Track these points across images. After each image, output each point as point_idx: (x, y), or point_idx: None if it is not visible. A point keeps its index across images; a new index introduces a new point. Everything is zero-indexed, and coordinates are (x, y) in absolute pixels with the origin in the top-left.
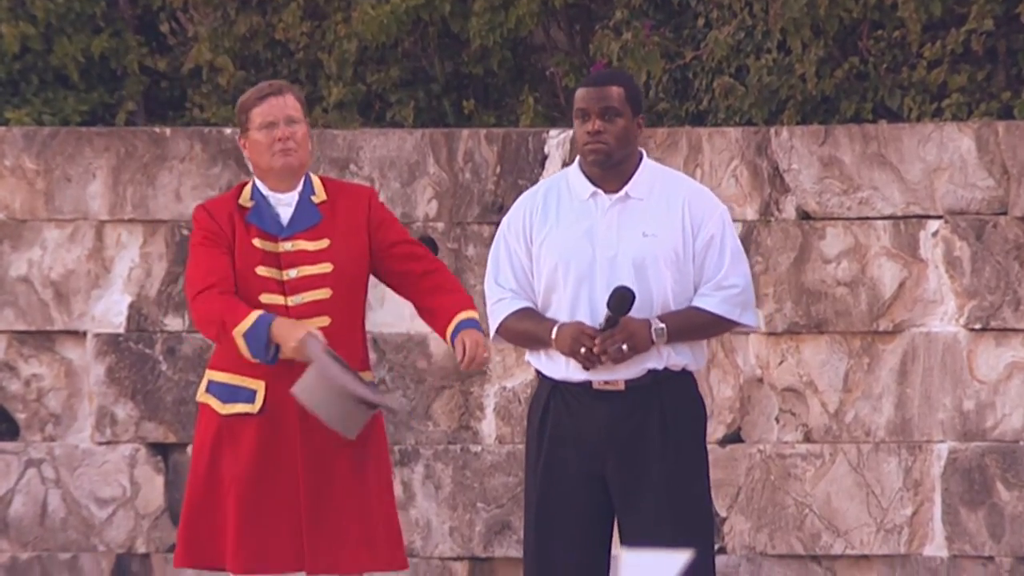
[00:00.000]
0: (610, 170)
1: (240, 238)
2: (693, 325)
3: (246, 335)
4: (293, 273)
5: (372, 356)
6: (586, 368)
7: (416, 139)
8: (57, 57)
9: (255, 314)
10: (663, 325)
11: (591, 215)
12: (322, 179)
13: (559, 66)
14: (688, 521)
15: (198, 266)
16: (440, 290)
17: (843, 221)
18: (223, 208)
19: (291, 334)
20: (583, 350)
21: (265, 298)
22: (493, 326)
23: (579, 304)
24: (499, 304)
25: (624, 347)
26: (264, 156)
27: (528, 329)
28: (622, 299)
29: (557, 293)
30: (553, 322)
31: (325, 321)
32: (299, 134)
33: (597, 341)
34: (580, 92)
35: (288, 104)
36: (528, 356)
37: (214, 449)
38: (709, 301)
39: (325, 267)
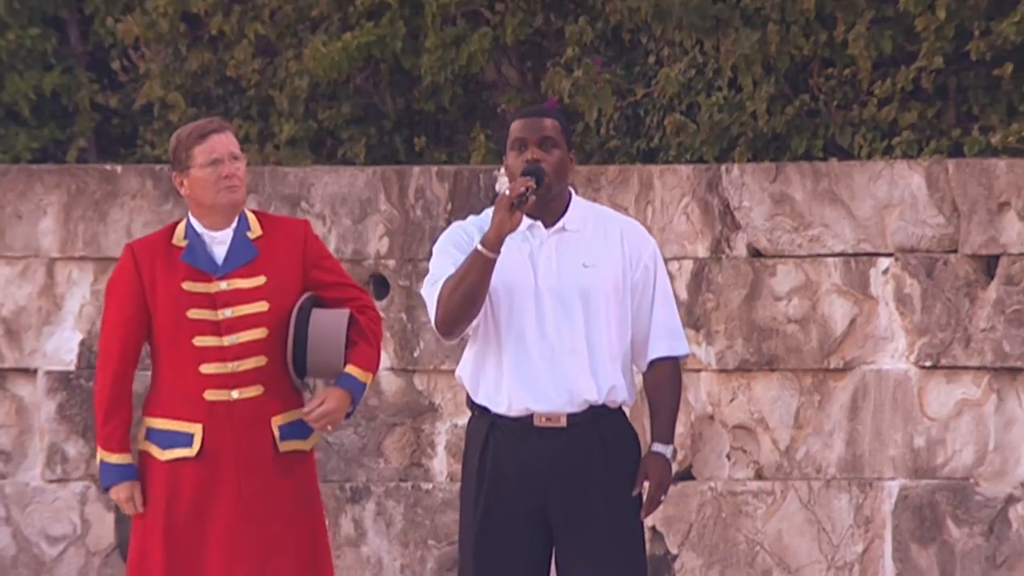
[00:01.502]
0: (546, 204)
1: (165, 283)
2: (675, 398)
3: (102, 466)
4: (228, 312)
5: None
6: (513, 202)
7: (368, 176)
8: (8, 93)
9: (119, 460)
10: (671, 446)
11: (529, 244)
12: (256, 214)
13: (510, 103)
14: (627, 557)
15: (109, 337)
16: (357, 341)
17: (794, 258)
18: (151, 249)
19: (119, 497)
20: (521, 188)
21: (199, 340)
22: (435, 310)
23: (525, 330)
24: (433, 287)
25: (663, 498)
26: (208, 193)
27: (461, 270)
28: (536, 171)
29: (499, 318)
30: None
31: (262, 361)
32: (242, 171)
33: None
34: (517, 123)
35: (231, 141)
36: (467, 384)
37: (162, 496)
38: (674, 346)
39: (261, 306)
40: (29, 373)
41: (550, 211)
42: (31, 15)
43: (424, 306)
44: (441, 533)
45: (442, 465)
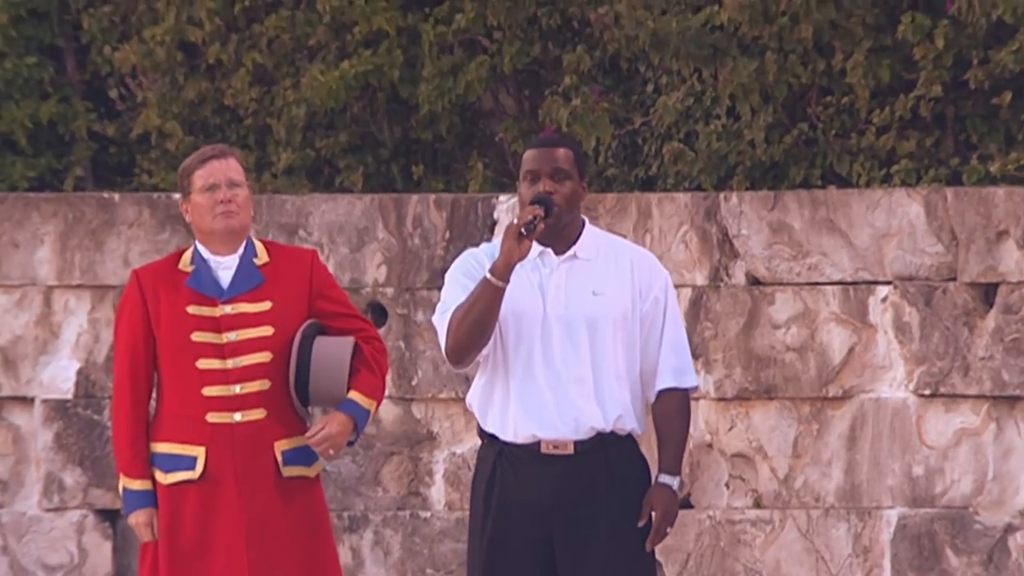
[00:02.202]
0: (557, 232)
1: (170, 307)
2: (683, 430)
3: (124, 494)
4: (233, 336)
5: None
6: (521, 231)
7: (365, 204)
8: (5, 122)
9: (140, 487)
10: (676, 478)
11: (539, 272)
12: (264, 243)
13: (508, 131)
14: None
15: (120, 365)
16: (360, 369)
17: (792, 286)
18: (156, 275)
19: (138, 522)
20: (529, 216)
21: (203, 363)
22: (445, 339)
23: (534, 358)
24: (443, 316)
25: (668, 529)
26: (205, 218)
27: (470, 299)
28: (544, 200)
29: (507, 345)
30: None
31: (266, 385)
32: (241, 197)
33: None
34: (529, 154)
35: (230, 167)
36: (476, 412)
37: (164, 520)
38: (682, 378)
39: (266, 330)
40: (26, 402)
41: (562, 239)
42: (28, 44)
43: (421, 334)
44: (439, 562)
45: (440, 494)
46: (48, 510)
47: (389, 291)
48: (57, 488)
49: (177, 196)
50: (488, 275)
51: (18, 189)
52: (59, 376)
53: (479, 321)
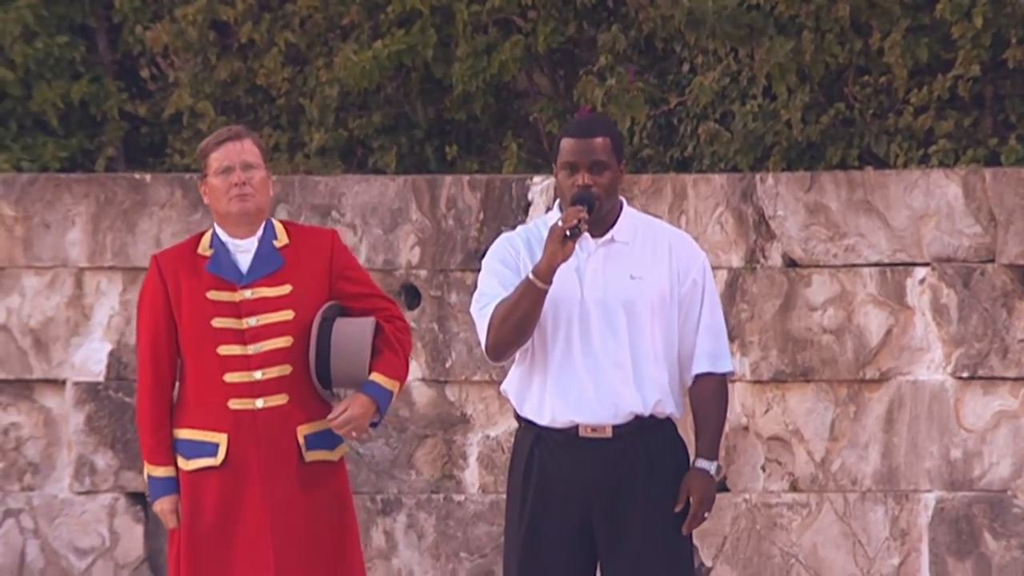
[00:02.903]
0: (595, 219)
1: (190, 293)
2: (720, 414)
3: (149, 480)
4: (253, 321)
5: None
6: (566, 234)
7: (399, 185)
8: (36, 103)
9: (164, 473)
10: (714, 463)
11: (577, 257)
12: (284, 223)
13: (542, 112)
14: (672, 570)
15: (143, 352)
16: (382, 349)
17: (829, 268)
18: (176, 260)
19: (163, 509)
20: (574, 220)
21: (223, 349)
22: (485, 336)
23: (572, 343)
24: (483, 311)
25: (706, 514)
26: (221, 201)
27: (512, 299)
28: (586, 199)
29: (545, 330)
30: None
31: (287, 370)
32: (256, 179)
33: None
34: (567, 143)
35: (245, 149)
36: (513, 399)
37: (185, 506)
38: (718, 362)
39: (287, 314)
40: (57, 384)
41: (600, 223)
42: (59, 23)
43: (455, 316)
44: (473, 545)
45: (474, 477)
46: (79, 493)
47: (423, 273)
48: (88, 471)
49: None
50: (531, 276)
51: (49, 170)
52: (91, 358)
53: (521, 322)
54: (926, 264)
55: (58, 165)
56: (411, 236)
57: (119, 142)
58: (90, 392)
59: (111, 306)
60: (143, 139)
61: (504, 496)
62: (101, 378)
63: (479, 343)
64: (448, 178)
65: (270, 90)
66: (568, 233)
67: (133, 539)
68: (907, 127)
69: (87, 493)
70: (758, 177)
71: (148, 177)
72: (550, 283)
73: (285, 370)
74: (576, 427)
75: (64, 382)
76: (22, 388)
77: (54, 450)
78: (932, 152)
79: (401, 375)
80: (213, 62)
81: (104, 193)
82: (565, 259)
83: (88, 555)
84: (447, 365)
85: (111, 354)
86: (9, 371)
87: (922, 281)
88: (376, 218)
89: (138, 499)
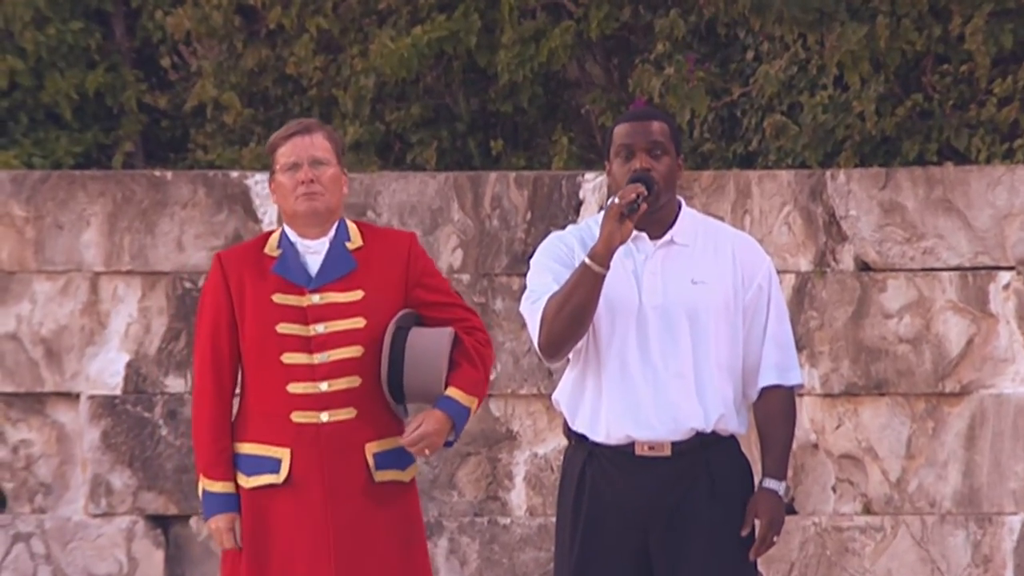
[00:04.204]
0: (653, 214)
1: (255, 295)
2: (788, 430)
3: (204, 496)
4: (321, 328)
5: None
6: (623, 211)
7: (439, 183)
8: (48, 94)
9: (222, 489)
10: (782, 483)
11: (633, 259)
12: (359, 224)
13: (595, 103)
14: None
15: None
16: (460, 362)
17: (905, 272)
18: (241, 260)
19: (218, 527)
20: (632, 195)
21: (288, 358)
22: (538, 331)
23: (628, 351)
24: (535, 305)
25: (775, 538)
26: (288, 200)
27: (567, 287)
28: (645, 179)
29: (599, 338)
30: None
31: (356, 381)
32: (326, 176)
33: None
34: (621, 128)
35: (315, 144)
36: (565, 411)
37: (247, 526)
38: (786, 374)
39: (357, 322)
40: (71, 398)
41: (657, 222)
42: (73, 8)
43: (500, 325)
44: (519, 572)
45: (521, 498)
46: (95, 516)
47: (465, 277)
48: (105, 492)
49: (234, 174)
50: (587, 260)
51: (62, 166)
52: (107, 370)
53: (578, 311)
54: (1011, 268)
55: (72, 161)
56: (452, 238)
57: (137, 136)
58: (106, 406)
59: (129, 313)
60: (163, 133)
61: (553, 519)
62: (118, 391)
63: (526, 353)
64: (493, 175)
65: (300, 80)
66: (625, 211)
67: (152, 566)
68: (990, 119)
69: (103, 516)
70: (828, 174)
71: (169, 174)
72: (607, 267)
73: (354, 382)
74: (632, 444)
75: (78, 396)
76: (33, 402)
77: (67, 469)
78: (1017, 146)
79: (480, 391)
80: (239, 50)
81: (121, 191)
82: (623, 240)
83: None
84: (492, 377)
85: (129, 365)
86: (19, 384)
87: (1006, 286)
88: (415, 219)
89: (158, 522)
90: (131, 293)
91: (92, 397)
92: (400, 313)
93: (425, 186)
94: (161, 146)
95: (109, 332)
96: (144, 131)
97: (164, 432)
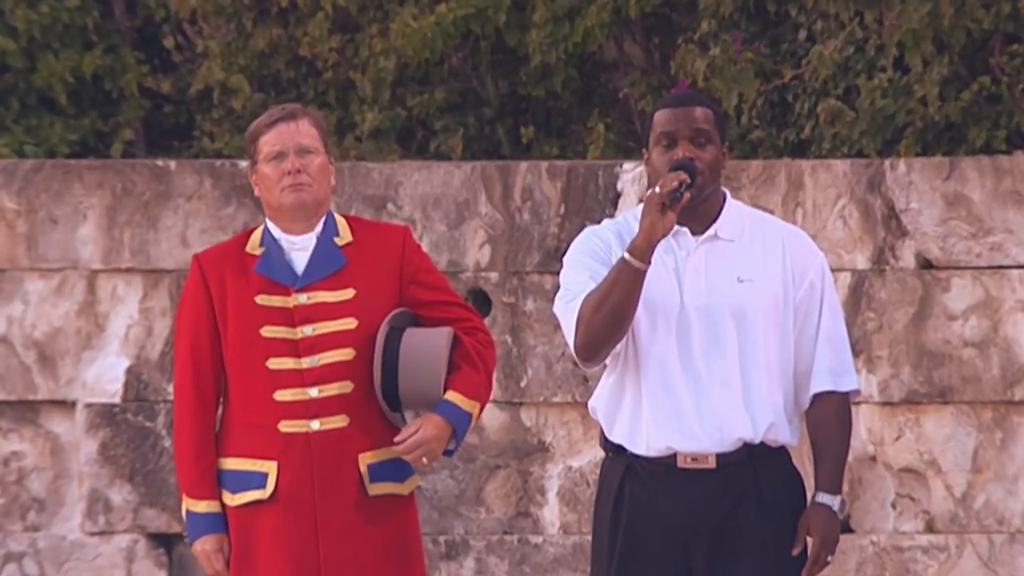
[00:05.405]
0: (695, 207)
1: (237, 297)
2: (843, 440)
3: (188, 517)
4: (309, 330)
5: None
6: (665, 201)
7: (465, 173)
8: (41, 77)
9: (207, 509)
10: (837, 497)
11: (674, 255)
12: (347, 218)
13: (634, 87)
14: None
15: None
16: (460, 365)
17: (971, 270)
18: (221, 260)
19: (204, 550)
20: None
21: (273, 363)
22: (574, 332)
23: (669, 356)
24: (571, 304)
25: (829, 558)
26: (273, 192)
27: (606, 284)
28: (688, 167)
29: (638, 342)
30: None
31: (348, 387)
32: (313, 166)
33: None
34: (662, 114)
35: (301, 131)
36: (602, 419)
37: (233, 547)
38: (841, 380)
39: (348, 323)
40: (66, 406)
41: (700, 215)
42: None
43: (531, 327)
44: None
45: (554, 515)
46: (92, 534)
47: (493, 276)
48: (103, 508)
49: (243, 163)
50: (626, 255)
51: (57, 155)
52: (105, 376)
53: (617, 310)
54: None
55: (67, 150)
56: (480, 232)
57: (138, 123)
58: (104, 415)
59: (129, 315)
60: (166, 119)
61: (589, 538)
62: (117, 399)
63: (559, 358)
64: (523, 165)
65: (315, 62)
66: (667, 201)
67: None
68: None
69: (101, 534)
70: (888, 163)
71: (172, 164)
72: (649, 262)
73: (345, 387)
74: (674, 455)
75: (74, 404)
76: (25, 411)
77: (63, 483)
78: None
79: (482, 395)
80: (249, 29)
81: (121, 182)
82: (666, 233)
83: None
84: (522, 384)
85: (129, 371)
86: (10, 391)
87: None
88: (439, 211)
89: (160, 540)
90: (131, 293)
91: (89, 405)
92: (393, 312)
93: (450, 177)
94: (164, 133)
95: (107, 335)
96: (146, 117)
97: (167, 444)
